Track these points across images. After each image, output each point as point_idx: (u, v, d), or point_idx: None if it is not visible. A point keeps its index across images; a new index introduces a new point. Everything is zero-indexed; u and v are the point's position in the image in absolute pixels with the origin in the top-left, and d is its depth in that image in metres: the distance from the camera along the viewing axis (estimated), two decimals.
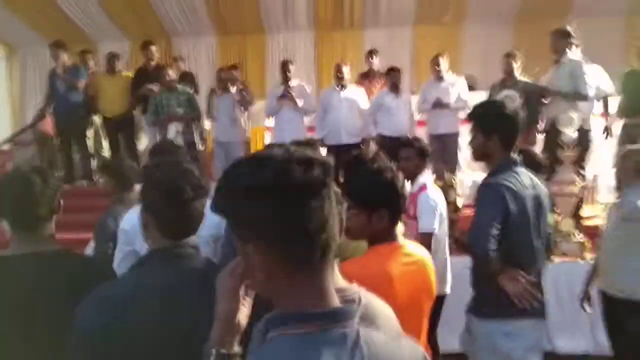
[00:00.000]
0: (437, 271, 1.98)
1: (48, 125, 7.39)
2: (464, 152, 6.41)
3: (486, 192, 2.46)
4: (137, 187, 3.83)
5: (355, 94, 6.51)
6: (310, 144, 3.20)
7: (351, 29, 9.27)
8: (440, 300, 3.27)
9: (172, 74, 6.41)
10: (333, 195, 0.92)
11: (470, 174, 6.26)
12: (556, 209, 4.47)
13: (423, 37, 9.15)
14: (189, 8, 8.64)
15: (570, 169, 4.67)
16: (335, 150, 5.94)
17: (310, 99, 6.61)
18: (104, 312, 1.32)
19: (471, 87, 6.72)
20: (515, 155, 2.52)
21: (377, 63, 7.22)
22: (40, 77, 9.32)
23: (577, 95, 5.31)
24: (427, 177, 3.60)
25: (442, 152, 6.11)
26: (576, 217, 4.74)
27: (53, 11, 8.41)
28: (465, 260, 2.63)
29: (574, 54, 5.48)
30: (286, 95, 6.38)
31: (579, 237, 4.52)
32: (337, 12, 8.84)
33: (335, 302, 0.94)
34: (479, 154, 2.58)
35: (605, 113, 6.04)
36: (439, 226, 3.43)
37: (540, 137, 5.76)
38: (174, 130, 6.15)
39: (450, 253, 3.67)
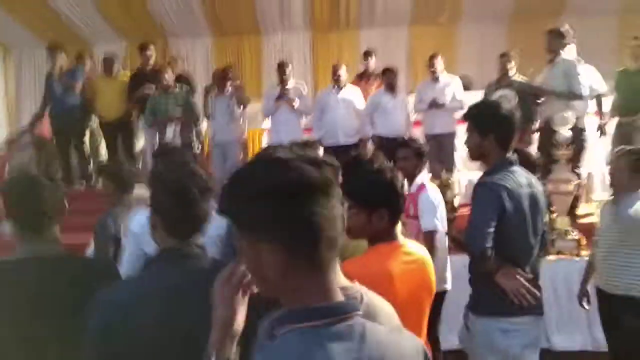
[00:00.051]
0: (437, 268, 2.02)
1: (45, 127, 7.38)
2: (460, 152, 6.46)
3: (482, 191, 2.49)
4: (136, 190, 3.86)
5: (352, 95, 6.54)
6: (309, 144, 3.23)
7: (347, 29, 9.30)
8: (440, 296, 3.30)
9: (169, 75, 6.41)
10: (338, 195, 0.95)
11: (466, 173, 6.31)
12: (552, 207, 4.51)
13: (419, 38, 9.18)
14: (185, 9, 8.63)
15: (565, 168, 4.72)
16: (333, 150, 5.95)
17: (307, 100, 6.64)
18: (111, 313, 1.35)
19: (467, 87, 6.76)
20: (511, 155, 2.55)
21: (373, 63, 7.26)
22: (35, 78, 9.33)
23: (571, 95, 5.36)
24: (424, 176, 3.64)
25: (438, 152, 6.15)
26: (571, 215, 4.79)
27: (48, 12, 8.39)
28: (464, 259, 2.66)
29: (568, 53, 5.53)
30: (283, 97, 6.40)
31: (575, 234, 4.56)
32: (333, 12, 8.86)
33: (340, 297, 0.97)
34: (475, 154, 2.61)
35: (599, 112, 6.09)
36: (441, 224, 3.49)
37: (535, 137, 5.80)
38: (171, 132, 6.16)
39: (448, 251, 3.71)
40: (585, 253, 4.33)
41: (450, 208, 4.49)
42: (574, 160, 5.05)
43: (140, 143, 7.37)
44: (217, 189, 1.22)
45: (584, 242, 4.47)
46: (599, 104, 6.09)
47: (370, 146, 6.36)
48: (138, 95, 6.74)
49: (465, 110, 2.74)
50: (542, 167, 4.54)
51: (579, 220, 5.04)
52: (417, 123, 6.72)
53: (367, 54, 7.34)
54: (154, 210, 1.45)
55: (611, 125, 5.96)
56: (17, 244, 1.72)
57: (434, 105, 6.23)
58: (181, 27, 9.11)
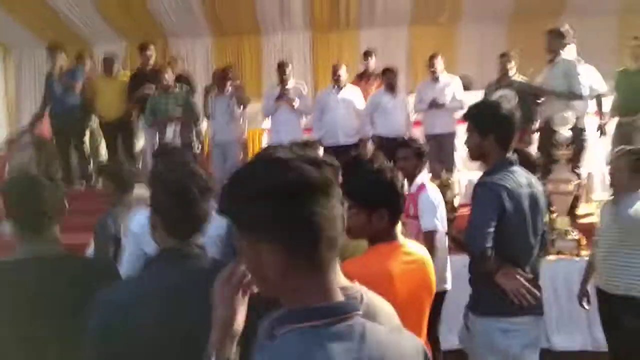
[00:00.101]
0: (437, 268, 2.02)
1: (45, 127, 7.38)
2: (460, 152, 6.46)
3: (482, 191, 2.49)
4: (136, 190, 3.87)
5: (352, 95, 6.54)
6: (309, 145, 3.23)
7: (347, 29, 9.31)
8: (440, 296, 3.31)
9: (169, 75, 6.42)
10: (338, 195, 0.95)
11: (466, 173, 6.31)
12: (552, 207, 4.52)
13: (419, 38, 9.19)
14: (185, 9, 8.64)
15: (565, 168, 4.72)
16: (333, 150, 5.95)
17: (307, 100, 6.64)
18: (111, 313, 1.35)
19: (467, 87, 6.77)
20: (511, 155, 2.55)
21: (373, 63, 7.26)
22: (35, 78, 9.33)
23: (571, 95, 5.36)
24: (424, 176, 3.64)
25: (438, 152, 6.15)
26: (572, 215, 4.79)
27: (48, 12, 8.40)
28: (464, 259, 2.66)
29: (568, 53, 5.53)
30: (283, 97, 6.41)
31: (575, 234, 4.56)
32: (333, 12, 8.87)
33: (340, 297, 0.97)
34: (475, 154, 2.61)
35: (599, 112, 6.10)
36: (441, 224, 3.50)
37: (535, 137, 5.81)
38: (171, 132, 6.16)
39: (448, 251, 3.71)
40: (585, 253, 4.34)
41: (450, 208, 4.49)
42: (574, 160, 5.06)
43: (140, 143, 7.38)
44: (217, 189, 1.22)
45: (584, 242, 4.48)
46: (599, 104, 6.09)
47: (370, 146, 6.36)
48: (138, 95, 6.75)
49: (465, 110, 2.74)
50: (542, 167, 4.55)
51: (579, 220, 5.04)
52: (417, 123, 6.73)
53: (367, 54, 7.35)
54: (154, 210, 1.45)
55: (611, 125, 5.96)
56: (17, 244, 1.72)
57: (434, 105, 6.24)
58: (181, 27, 9.12)
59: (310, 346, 0.90)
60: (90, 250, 3.78)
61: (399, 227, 1.87)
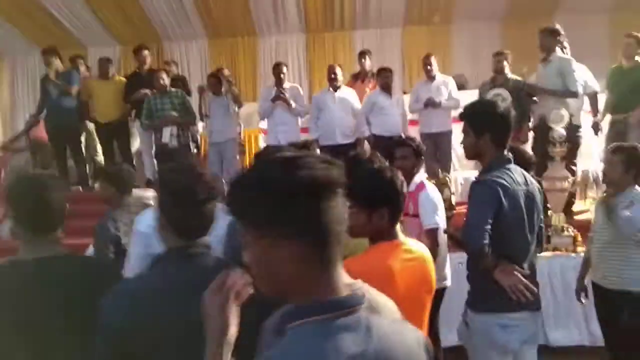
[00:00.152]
0: (436, 265, 2.05)
1: (41, 131, 7.38)
2: (456, 151, 6.50)
3: (479, 189, 2.52)
4: (135, 191, 3.88)
5: (348, 95, 6.58)
6: (307, 145, 3.25)
7: (341, 30, 9.35)
8: (440, 293, 3.34)
9: (165, 77, 6.44)
10: (343, 193, 0.99)
11: (462, 172, 6.35)
12: (548, 205, 4.56)
13: (412, 38, 9.25)
14: (180, 12, 8.66)
15: (560, 165, 4.77)
16: (330, 150, 5.99)
17: (303, 101, 6.68)
18: (122, 310, 1.38)
19: (461, 87, 6.81)
20: (507, 153, 2.59)
21: (368, 64, 7.30)
22: (30, 82, 9.33)
23: (565, 92, 5.41)
24: (422, 175, 3.67)
25: (434, 151, 6.19)
26: (567, 212, 4.83)
27: (43, 16, 8.40)
28: (460, 256, 2.69)
29: (562, 52, 5.58)
30: (279, 97, 6.44)
31: (570, 231, 4.61)
32: (327, 14, 8.92)
33: (346, 291, 1.01)
34: (471, 153, 2.64)
35: (594, 109, 6.15)
36: (442, 221, 3.52)
37: (530, 135, 5.85)
38: (168, 134, 6.18)
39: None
40: (581, 249, 4.38)
41: (447, 206, 4.52)
42: (569, 158, 5.10)
43: (135, 144, 7.39)
44: (223, 189, 1.25)
45: (579, 238, 4.52)
46: (593, 102, 6.14)
47: (366, 146, 6.39)
48: (134, 97, 6.76)
49: (461, 109, 2.78)
50: (537, 164, 4.59)
51: (575, 217, 5.08)
52: (413, 122, 6.76)
53: (362, 55, 7.38)
54: (161, 210, 1.48)
55: (605, 122, 6.01)
56: (23, 245, 1.73)
57: (430, 104, 6.28)
58: (176, 30, 9.14)
59: (321, 338, 0.93)
60: (89, 252, 3.80)
61: (398, 226, 1.90)
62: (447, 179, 4.99)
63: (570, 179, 4.76)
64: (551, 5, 8.27)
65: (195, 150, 6.66)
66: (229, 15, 8.81)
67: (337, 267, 1.00)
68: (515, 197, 2.47)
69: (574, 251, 4.46)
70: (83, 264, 1.88)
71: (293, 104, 6.43)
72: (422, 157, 3.70)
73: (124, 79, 7.18)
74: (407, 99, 6.72)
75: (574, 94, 5.42)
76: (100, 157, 7.38)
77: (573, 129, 5.19)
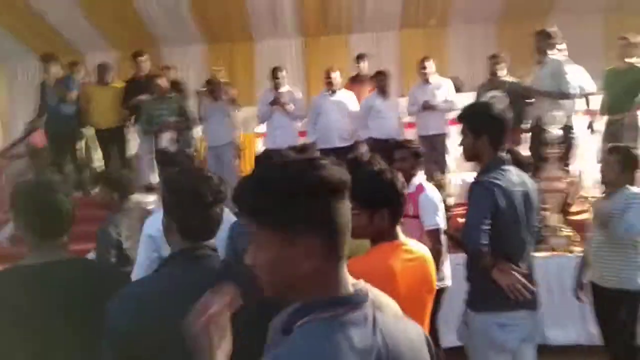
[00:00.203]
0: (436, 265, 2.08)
1: (39, 137, 7.40)
2: (453, 153, 6.54)
3: (477, 190, 2.56)
4: (134, 196, 3.91)
5: (346, 98, 6.62)
6: (307, 149, 3.28)
7: (338, 34, 9.38)
8: (439, 293, 3.36)
9: (163, 82, 6.45)
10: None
11: (458, 174, 6.39)
12: (544, 205, 4.59)
13: (408, 41, 9.26)
14: (176, 17, 8.67)
15: (556, 166, 4.81)
16: (328, 154, 6.00)
17: (300, 104, 6.71)
18: (130, 313, 1.41)
19: (457, 89, 6.85)
20: (504, 155, 2.63)
21: (366, 67, 7.34)
22: (28, 89, 9.30)
23: (560, 94, 5.46)
24: (421, 177, 3.71)
25: (431, 153, 6.23)
26: (564, 212, 4.87)
27: (39, 22, 8.39)
28: (458, 257, 2.71)
29: (557, 54, 5.63)
30: (277, 101, 6.47)
31: (567, 231, 4.64)
32: (323, 18, 8.94)
33: (351, 289, 1.05)
34: (469, 154, 2.68)
35: (588, 110, 6.20)
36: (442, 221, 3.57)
37: (525, 136, 5.89)
38: (167, 139, 6.20)
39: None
40: (577, 249, 4.41)
41: (445, 208, 4.56)
42: (564, 159, 5.15)
43: (132, 149, 7.41)
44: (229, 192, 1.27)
45: (576, 238, 4.56)
46: (588, 103, 6.20)
47: (363, 148, 6.42)
48: (133, 103, 6.78)
49: (458, 111, 2.81)
50: (533, 165, 4.63)
51: (571, 217, 5.12)
52: (410, 125, 6.80)
53: (359, 58, 7.44)
54: (168, 213, 1.51)
55: (601, 123, 6.07)
56: (31, 250, 1.75)
57: (427, 107, 6.31)
58: (172, 35, 9.14)
59: (331, 334, 0.97)
60: (90, 257, 3.81)
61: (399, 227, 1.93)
62: (444, 180, 5.03)
63: (566, 179, 4.80)
64: (546, 5, 8.32)
65: (194, 154, 6.67)
66: (225, 20, 8.82)
67: (344, 264, 1.05)
68: (512, 198, 2.51)
69: (571, 251, 4.50)
70: (89, 268, 1.90)
71: (291, 108, 6.47)
72: (421, 159, 3.73)
73: (122, 85, 7.19)
74: (403, 101, 6.76)
75: (568, 96, 5.47)
76: (99, 163, 7.39)
77: (568, 130, 5.24)
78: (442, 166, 6.27)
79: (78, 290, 1.69)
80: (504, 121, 2.59)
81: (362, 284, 1.27)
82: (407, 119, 6.77)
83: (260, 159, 2.62)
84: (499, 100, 5.48)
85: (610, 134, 5.73)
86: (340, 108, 6.50)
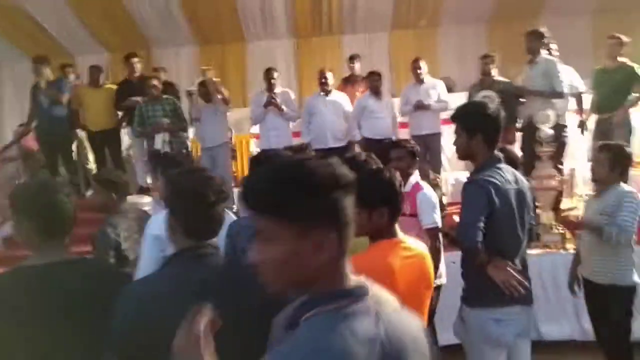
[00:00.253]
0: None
1: (32, 140, 7.36)
2: (447, 152, 6.60)
3: (472, 189, 2.59)
4: (130, 197, 3.91)
5: (340, 98, 6.65)
6: (302, 149, 3.31)
7: (330, 35, 9.41)
8: (436, 290, 3.40)
9: (156, 84, 6.45)
10: None
11: (452, 173, 6.44)
12: (537, 203, 4.64)
13: (400, 41, 9.31)
14: (168, 18, 8.65)
15: (548, 164, 4.86)
16: (322, 154, 6.02)
17: (294, 105, 6.74)
18: (136, 310, 1.43)
19: (449, 90, 6.90)
20: (498, 153, 2.67)
21: (358, 68, 7.38)
22: (18, 92, 9.24)
23: (552, 93, 5.52)
24: (417, 176, 3.74)
25: (425, 153, 6.27)
26: (556, 209, 4.93)
27: (30, 24, 8.34)
28: (453, 256, 2.75)
29: (549, 53, 5.69)
30: (271, 103, 6.49)
31: (560, 228, 4.70)
32: (315, 19, 8.96)
33: (354, 282, 1.09)
34: (463, 153, 2.72)
35: (580, 109, 6.28)
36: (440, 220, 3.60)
37: (518, 135, 5.96)
38: (160, 140, 6.20)
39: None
40: (570, 246, 4.48)
41: (439, 207, 4.60)
42: (556, 157, 5.21)
43: (123, 151, 7.40)
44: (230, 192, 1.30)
45: (568, 235, 4.62)
46: (579, 102, 6.28)
47: (357, 149, 6.46)
48: (126, 105, 6.78)
49: (451, 111, 2.84)
50: (526, 164, 4.69)
51: (564, 214, 5.18)
52: (404, 125, 6.85)
53: (352, 58, 7.47)
54: (172, 213, 1.54)
55: (592, 121, 6.14)
56: (33, 251, 1.76)
57: (420, 107, 6.36)
58: (164, 37, 9.12)
59: (336, 325, 1.00)
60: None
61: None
62: (438, 180, 5.07)
63: (558, 177, 4.86)
64: (537, 6, 8.39)
65: (188, 155, 6.67)
66: (217, 22, 8.82)
67: (347, 258, 1.09)
68: (507, 196, 2.54)
69: (564, 248, 4.56)
70: (92, 269, 1.89)
71: (285, 109, 6.49)
72: (417, 158, 3.77)
73: (114, 87, 7.16)
74: (396, 101, 6.81)
75: (560, 95, 5.54)
76: (92, 165, 7.37)
77: (559, 129, 5.30)
78: (436, 166, 6.31)
79: (81, 291, 1.69)
80: (498, 120, 2.62)
81: (362, 279, 1.31)
82: (399, 119, 6.81)
83: (257, 160, 2.65)
84: (491, 100, 5.53)
85: (600, 132, 5.80)
86: (334, 109, 6.53)
